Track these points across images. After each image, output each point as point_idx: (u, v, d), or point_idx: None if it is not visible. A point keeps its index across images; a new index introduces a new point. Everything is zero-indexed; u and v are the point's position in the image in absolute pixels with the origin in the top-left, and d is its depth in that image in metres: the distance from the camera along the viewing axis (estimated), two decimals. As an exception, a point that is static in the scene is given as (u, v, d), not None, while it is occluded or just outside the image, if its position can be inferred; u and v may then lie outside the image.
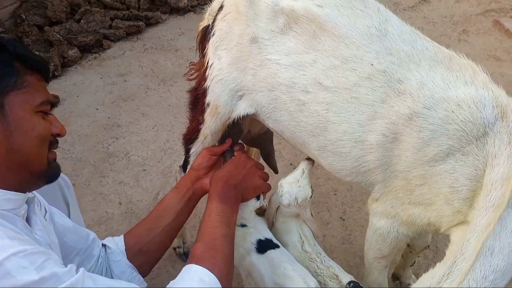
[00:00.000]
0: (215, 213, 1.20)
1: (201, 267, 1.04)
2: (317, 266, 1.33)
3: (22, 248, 0.84)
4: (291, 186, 1.35)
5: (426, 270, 1.10)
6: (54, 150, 1.05)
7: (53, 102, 1.06)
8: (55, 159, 1.06)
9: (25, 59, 0.98)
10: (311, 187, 1.37)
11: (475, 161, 1.01)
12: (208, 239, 1.14)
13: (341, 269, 1.34)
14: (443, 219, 1.08)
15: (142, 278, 1.30)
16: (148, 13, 3.70)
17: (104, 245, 1.31)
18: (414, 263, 1.74)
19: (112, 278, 1.26)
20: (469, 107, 1.02)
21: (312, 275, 1.29)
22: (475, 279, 0.94)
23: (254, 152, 1.98)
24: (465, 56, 1.12)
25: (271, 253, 1.32)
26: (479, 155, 1.01)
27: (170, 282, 1.04)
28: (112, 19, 3.55)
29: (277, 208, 1.45)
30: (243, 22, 1.28)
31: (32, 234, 1.00)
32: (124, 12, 3.63)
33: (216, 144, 1.53)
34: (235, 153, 1.48)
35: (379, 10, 1.17)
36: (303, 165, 1.39)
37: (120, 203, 2.22)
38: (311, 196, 1.36)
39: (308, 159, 1.41)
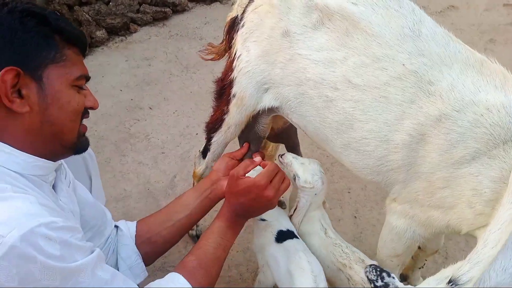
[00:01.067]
0: (217, 234, 1.24)
1: (187, 282, 1.09)
2: (342, 250, 1.35)
3: (53, 220, 0.87)
4: (305, 168, 1.39)
5: (435, 274, 1.09)
6: (84, 124, 1.08)
7: (89, 76, 1.08)
8: (85, 132, 1.09)
9: (65, 33, 0.99)
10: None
11: (501, 164, 1.02)
12: (203, 258, 1.18)
13: (365, 255, 1.36)
14: (464, 222, 1.09)
15: (144, 266, 1.33)
16: (175, 0, 3.73)
17: (116, 227, 1.34)
18: (424, 266, 1.75)
19: (117, 259, 1.30)
20: (498, 111, 1.03)
21: (338, 259, 1.32)
22: (495, 269, 0.94)
23: (272, 146, 1.99)
24: (496, 61, 1.12)
25: (289, 242, 1.34)
26: (505, 157, 1.01)
27: (156, 281, 1.10)
28: (140, 4, 3.57)
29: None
30: (276, 15, 1.29)
31: (57, 200, 1.04)
32: (152, -3, 3.67)
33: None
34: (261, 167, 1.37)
35: (414, 10, 1.17)
36: (286, 158, 1.43)
37: (138, 183, 2.27)
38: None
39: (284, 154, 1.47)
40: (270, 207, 1.29)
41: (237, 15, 1.46)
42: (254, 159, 1.37)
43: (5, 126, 0.93)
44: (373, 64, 1.15)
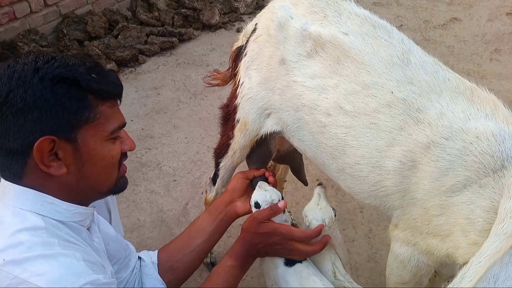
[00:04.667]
0: (229, 274, 1.29)
1: None
2: None
3: (97, 278, 0.93)
4: (314, 211, 1.38)
5: None
6: (124, 163, 1.12)
7: (125, 123, 1.11)
8: (124, 174, 1.12)
9: (98, 92, 0.99)
10: (332, 207, 1.40)
11: (491, 194, 1.01)
12: None
13: None
14: (459, 251, 1.08)
15: None
16: (182, 29, 3.84)
17: (139, 258, 1.38)
18: None
19: None
20: (488, 139, 1.03)
21: None
22: None
23: (281, 168, 2.03)
24: (487, 89, 1.13)
25: (298, 266, 1.34)
26: (495, 187, 1.01)
27: None
28: (147, 35, 3.70)
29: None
30: (273, 45, 1.35)
31: (92, 243, 1.09)
32: (159, 28, 3.79)
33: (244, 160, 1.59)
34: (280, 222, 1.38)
35: (403, 40, 1.21)
36: (317, 191, 1.43)
37: (151, 212, 2.31)
38: (335, 215, 1.39)
39: (320, 184, 1.46)
40: (280, 255, 1.34)
41: (242, 44, 1.53)
42: (278, 204, 1.35)
43: (43, 184, 0.98)
44: (363, 91, 1.19)
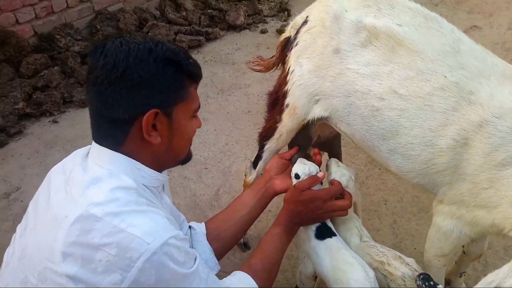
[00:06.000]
0: (278, 241, 1.39)
1: (255, 283, 1.25)
2: (377, 249, 1.42)
3: (178, 232, 1.04)
4: (340, 170, 1.53)
5: (475, 281, 1.17)
6: None
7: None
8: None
9: (192, 75, 1.12)
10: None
11: None
12: (267, 262, 1.34)
13: (400, 253, 1.42)
14: (508, 220, 1.18)
15: (217, 260, 1.47)
16: (208, 29, 3.98)
17: (190, 226, 1.50)
18: (465, 273, 1.82)
19: None
20: None
21: (375, 258, 1.39)
22: None
23: None
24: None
25: (328, 240, 1.43)
26: None
27: (227, 279, 1.25)
28: (175, 34, 3.84)
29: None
30: (328, 35, 1.46)
31: (162, 206, 1.20)
32: (186, 27, 3.93)
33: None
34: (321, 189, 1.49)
35: (453, 30, 1.32)
36: (332, 160, 1.60)
37: (185, 196, 2.42)
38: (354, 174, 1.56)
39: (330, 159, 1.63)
40: (322, 219, 1.45)
41: (290, 36, 1.64)
42: (317, 174, 1.48)
43: (139, 151, 1.10)
44: (417, 76, 1.29)
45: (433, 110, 1.27)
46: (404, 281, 1.32)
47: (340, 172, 1.53)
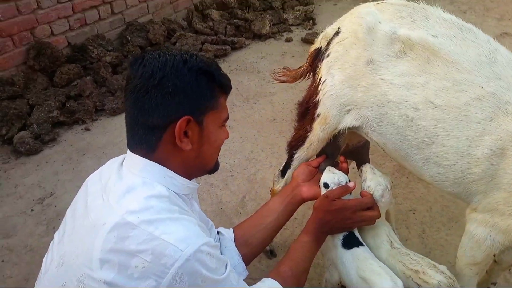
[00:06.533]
0: (306, 249, 1.42)
1: None
2: (411, 258, 1.41)
3: (210, 240, 1.07)
4: (375, 178, 1.53)
5: None
6: None
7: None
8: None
9: (223, 86, 1.18)
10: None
11: None
12: (296, 269, 1.36)
13: (433, 261, 1.41)
14: None
15: (245, 265, 1.50)
16: (234, 38, 4.05)
17: (218, 232, 1.53)
18: (496, 283, 1.80)
19: None
20: None
21: (408, 267, 1.38)
22: None
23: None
24: None
25: (356, 250, 1.43)
26: None
27: (257, 284, 1.27)
28: (202, 43, 3.93)
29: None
30: (361, 46, 1.48)
31: (192, 213, 1.23)
32: (212, 37, 4.02)
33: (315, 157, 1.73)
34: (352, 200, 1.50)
35: (489, 41, 1.33)
36: (368, 166, 1.59)
37: (211, 202, 2.46)
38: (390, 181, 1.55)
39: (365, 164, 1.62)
40: (350, 229, 1.47)
41: (321, 47, 1.67)
42: (348, 184, 1.50)
43: (170, 158, 1.14)
44: (453, 87, 1.30)
45: (469, 120, 1.28)
46: None
47: (376, 181, 1.53)
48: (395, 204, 1.59)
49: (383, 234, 1.53)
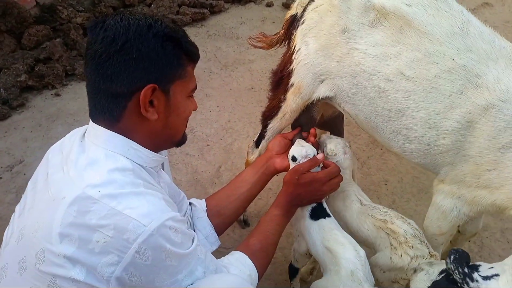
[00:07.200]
0: (276, 222, 1.43)
1: (252, 263, 1.28)
2: (380, 210, 1.46)
3: (175, 214, 1.05)
4: (332, 140, 1.58)
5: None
6: None
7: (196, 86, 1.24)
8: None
9: (190, 54, 1.13)
10: None
11: None
12: (265, 243, 1.37)
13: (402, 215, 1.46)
14: (511, 201, 1.21)
15: (217, 236, 1.51)
16: (212, 1, 3.90)
17: (190, 203, 1.53)
18: (460, 252, 1.87)
19: (194, 231, 1.46)
20: None
21: (377, 218, 1.43)
22: None
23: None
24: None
25: (322, 221, 1.46)
26: None
27: (225, 258, 1.27)
28: (179, 6, 3.76)
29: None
30: (336, 14, 1.44)
31: (159, 186, 1.21)
32: (190, -1, 3.86)
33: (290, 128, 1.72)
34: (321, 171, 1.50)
35: (462, 12, 1.31)
36: (322, 138, 1.64)
37: (187, 172, 2.44)
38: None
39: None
40: (320, 199, 1.49)
41: (297, 13, 1.62)
42: (316, 156, 1.50)
43: (135, 128, 1.10)
44: (425, 58, 1.29)
45: (439, 92, 1.27)
46: (406, 238, 1.37)
47: (334, 142, 1.57)
48: (356, 163, 1.63)
49: (352, 195, 1.57)
